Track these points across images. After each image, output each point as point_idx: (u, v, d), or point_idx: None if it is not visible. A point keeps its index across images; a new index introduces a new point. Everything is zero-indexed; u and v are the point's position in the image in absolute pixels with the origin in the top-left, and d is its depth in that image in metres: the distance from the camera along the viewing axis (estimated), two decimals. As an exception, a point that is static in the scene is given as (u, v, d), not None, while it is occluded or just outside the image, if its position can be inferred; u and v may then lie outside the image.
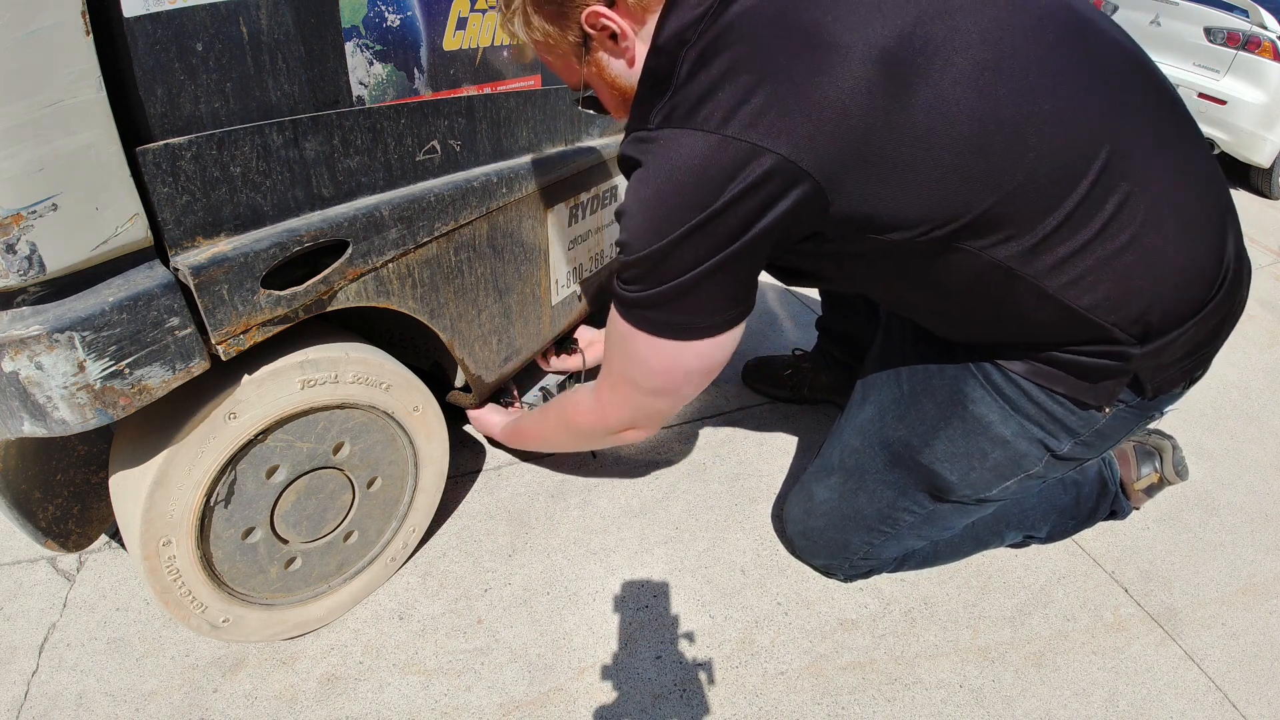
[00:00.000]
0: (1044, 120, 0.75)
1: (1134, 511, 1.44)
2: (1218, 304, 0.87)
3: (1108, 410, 0.93)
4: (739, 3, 0.75)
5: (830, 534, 1.20)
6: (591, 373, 1.53)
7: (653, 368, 0.90)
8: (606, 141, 1.41)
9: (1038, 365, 0.93)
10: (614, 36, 0.83)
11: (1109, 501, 1.37)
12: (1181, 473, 1.37)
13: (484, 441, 1.51)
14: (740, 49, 0.74)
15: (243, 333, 0.80)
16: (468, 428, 1.54)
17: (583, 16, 0.81)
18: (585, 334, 1.55)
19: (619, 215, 0.82)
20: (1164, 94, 0.84)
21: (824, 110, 0.71)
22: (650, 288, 0.81)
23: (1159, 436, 1.41)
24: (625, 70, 0.86)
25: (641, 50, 0.83)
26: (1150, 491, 1.39)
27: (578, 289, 1.48)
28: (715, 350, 0.88)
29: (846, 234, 0.81)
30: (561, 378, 1.54)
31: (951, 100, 0.73)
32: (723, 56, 0.74)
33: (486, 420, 1.35)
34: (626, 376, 0.94)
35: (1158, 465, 1.37)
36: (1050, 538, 1.38)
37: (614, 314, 0.90)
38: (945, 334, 1.02)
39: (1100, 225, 0.79)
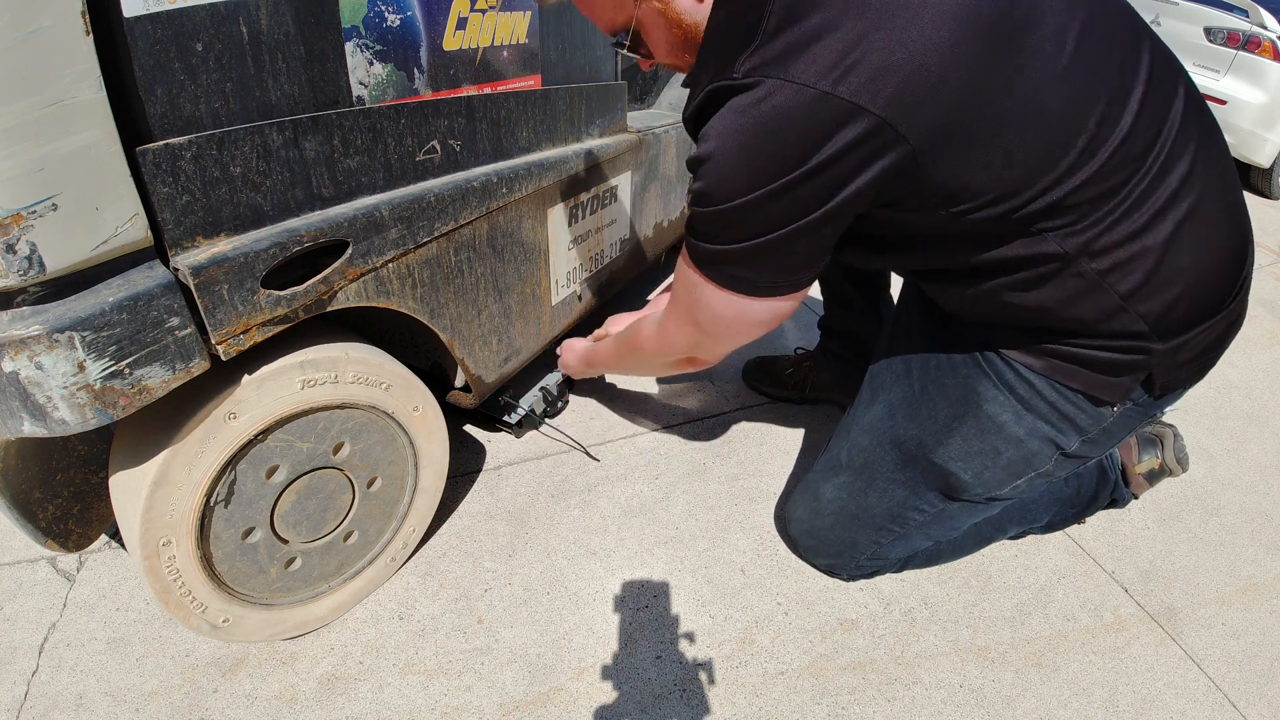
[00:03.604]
0: (1127, 102, 0.76)
1: (1133, 500, 1.43)
2: (1234, 306, 0.88)
3: (1116, 409, 0.93)
4: None
5: (837, 533, 1.19)
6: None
7: (719, 316, 0.91)
8: (606, 142, 1.41)
9: (1055, 362, 0.92)
10: None
11: (1109, 490, 1.37)
12: (1183, 461, 1.37)
13: (484, 441, 1.51)
14: (837, 3, 0.70)
15: (243, 333, 0.80)
16: (468, 427, 1.55)
17: None
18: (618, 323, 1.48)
19: (697, 162, 0.77)
20: (1192, 89, 0.85)
21: (926, 73, 0.68)
22: (729, 243, 0.79)
23: (1160, 425, 1.41)
24: (693, 5, 0.81)
25: None
26: (1151, 478, 1.39)
27: (578, 289, 1.48)
28: (785, 304, 0.89)
29: (928, 205, 0.79)
30: (563, 375, 1.53)
31: (1047, 74, 0.72)
32: (821, 8, 0.71)
33: (574, 347, 1.43)
34: (692, 317, 0.95)
35: (1159, 452, 1.37)
36: (1049, 528, 1.38)
37: (685, 259, 0.90)
38: (974, 318, 0.99)
39: (1154, 211, 0.79)
